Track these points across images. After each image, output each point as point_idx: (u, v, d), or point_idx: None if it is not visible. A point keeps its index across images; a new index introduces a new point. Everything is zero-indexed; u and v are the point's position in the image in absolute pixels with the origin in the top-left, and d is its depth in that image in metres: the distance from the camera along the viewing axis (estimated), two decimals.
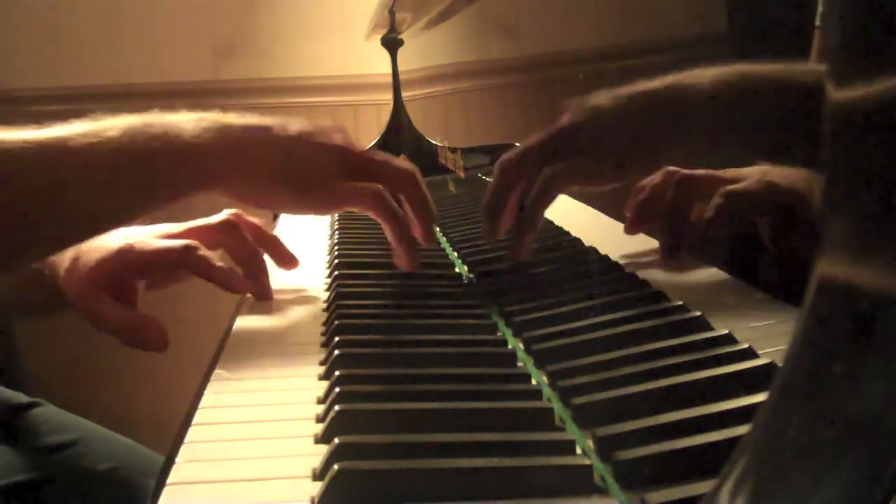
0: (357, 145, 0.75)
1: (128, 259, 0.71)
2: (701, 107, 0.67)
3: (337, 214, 1.14)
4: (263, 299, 0.75)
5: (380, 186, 0.71)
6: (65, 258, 0.72)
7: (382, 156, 0.75)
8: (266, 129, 0.70)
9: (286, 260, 0.79)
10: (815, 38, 0.90)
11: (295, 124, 0.72)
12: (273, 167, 0.69)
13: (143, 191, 0.66)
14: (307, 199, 0.71)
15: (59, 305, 0.74)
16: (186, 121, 0.68)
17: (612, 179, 0.74)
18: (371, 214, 0.72)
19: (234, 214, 0.77)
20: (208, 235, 0.75)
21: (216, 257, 0.72)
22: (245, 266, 0.75)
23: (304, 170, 0.70)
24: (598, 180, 0.74)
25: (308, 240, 0.82)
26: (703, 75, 0.68)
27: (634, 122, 0.69)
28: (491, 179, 0.74)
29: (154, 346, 0.70)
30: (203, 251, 0.71)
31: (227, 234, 0.75)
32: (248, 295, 0.76)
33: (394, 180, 0.73)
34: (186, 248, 0.71)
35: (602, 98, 0.71)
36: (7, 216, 0.60)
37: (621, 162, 0.71)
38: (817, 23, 0.90)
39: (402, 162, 0.75)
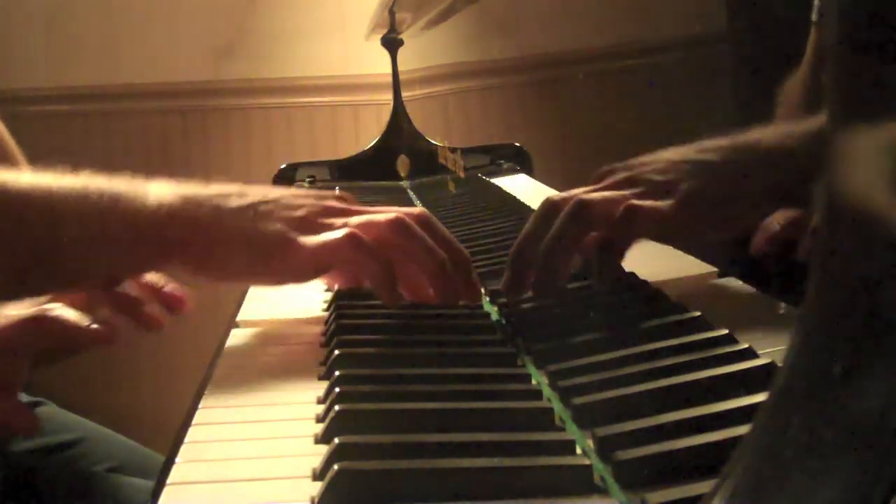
0: (329, 204, 0.65)
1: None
2: (779, 165, 0.65)
3: None
4: (152, 329, 0.68)
5: (349, 231, 0.61)
6: None
7: (357, 218, 0.64)
8: (224, 201, 0.62)
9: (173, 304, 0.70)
10: (812, 33, 0.90)
11: (258, 191, 0.64)
12: (231, 240, 0.61)
13: (84, 257, 0.59)
14: (267, 269, 0.62)
15: None
16: (147, 191, 0.60)
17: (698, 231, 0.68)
18: (345, 277, 0.66)
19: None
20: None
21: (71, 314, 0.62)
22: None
23: (263, 237, 0.61)
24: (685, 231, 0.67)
25: None
26: (765, 135, 0.67)
27: (736, 180, 0.65)
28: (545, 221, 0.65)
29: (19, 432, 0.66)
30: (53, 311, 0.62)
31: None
32: (248, 294, 0.75)
33: (382, 233, 0.62)
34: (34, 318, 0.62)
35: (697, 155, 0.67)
36: None
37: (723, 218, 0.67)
38: (813, 18, 0.89)
39: (379, 215, 0.64)
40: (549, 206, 0.66)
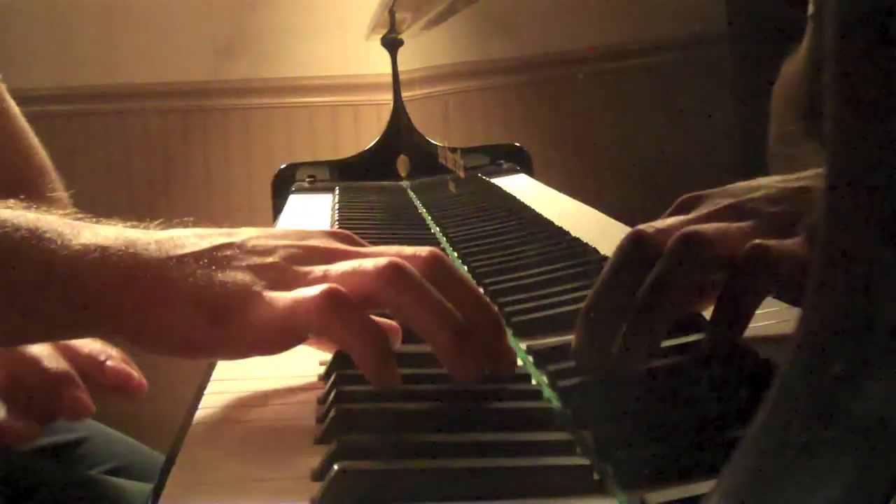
0: (311, 244, 0.51)
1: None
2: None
3: (336, 214, 1.13)
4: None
5: (327, 287, 0.45)
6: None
7: (343, 262, 0.49)
8: (175, 246, 0.48)
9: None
10: (808, 27, 0.90)
11: (223, 232, 0.50)
12: (180, 296, 0.46)
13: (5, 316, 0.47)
14: (224, 335, 0.46)
15: None
16: (80, 228, 0.48)
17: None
18: (325, 344, 0.53)
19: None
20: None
21: None
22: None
23: (218, 291, 0.46)
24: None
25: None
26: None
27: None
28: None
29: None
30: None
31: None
32: None
33: (372, 283, 0.47)
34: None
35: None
36: None
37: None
38: (809, 11, 0.89)
39: (369, 261, 0.48)
40: (639, 242, 0.49)
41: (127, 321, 0.46)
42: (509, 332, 0.61)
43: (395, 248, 0.50)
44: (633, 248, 0.49)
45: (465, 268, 0.81)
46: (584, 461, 0.40)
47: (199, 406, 0.51)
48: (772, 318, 0.58)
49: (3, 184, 0.99)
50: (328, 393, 0.50)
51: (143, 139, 2.10)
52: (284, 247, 0.49)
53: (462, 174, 1.29)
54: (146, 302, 0.46)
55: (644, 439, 0.40)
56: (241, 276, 0.47)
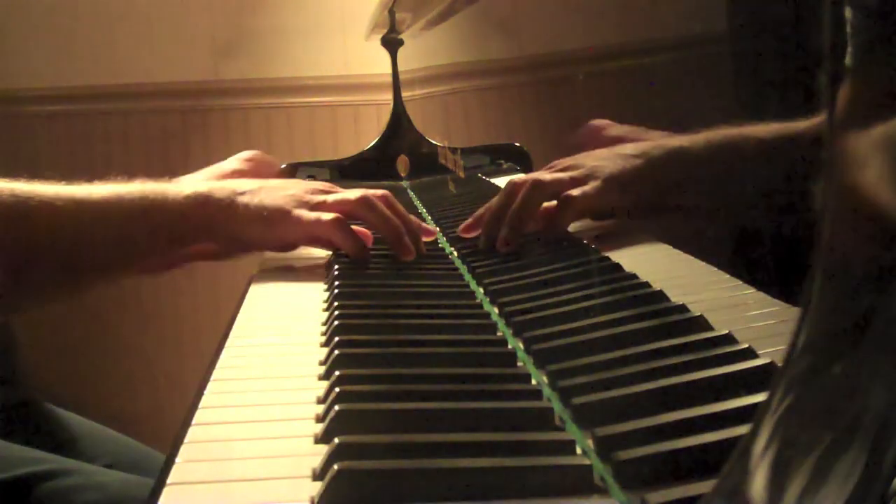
0: (310, 192, 0.85)
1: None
2: (704, 165, 0.74)
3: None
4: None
5: (335, 216, 0.82)
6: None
7: (333, 196, 0.86)
8: (237, 187, 0.83)
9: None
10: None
11: (258, 181, 0.86)
12: (244, 213, 0.81)
13: (147, 241, 0.80)
14: (272, 234, 0.82)
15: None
16: (181, 187, 0.82)
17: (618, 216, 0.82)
18: (330, 244, 0.84)
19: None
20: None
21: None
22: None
23: (269, 210, 0.82)
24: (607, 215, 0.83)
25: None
26: (701, 137, 0.75)
27: (656, 178, 0.76)
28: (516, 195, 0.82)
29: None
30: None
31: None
32: (248, 294, 0.77)
33: (351, 211, 0.84)
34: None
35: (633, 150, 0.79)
36: (34, 260, 0.73)
37: (640, 206, 0.79)
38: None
39: (350, 193, 0.85)
40: (511, 187, 0.84)
41: (221, 233, 0.82)
42: (509, 332, 0.61)
43: (360, 190, 0.86)
44: (507, 191, 0.84)
45: (466, 267, 0.81)
46: (584, 461, 0.40)
47: (200, 406, 0.51)
48: (772, 317, 0.58)
49: None
50: (328, 393, 0.50)
51: (143, 139, 2.10)
52: (295, 184, 0.87)
53: (462, 174, 1.29)
54: (229, 221, 0.81)
55: (644, 439, 0.40)
56: (278, 200, 0.82)
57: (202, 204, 0.80)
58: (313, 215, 0.81)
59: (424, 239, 0.88)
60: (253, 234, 0.82)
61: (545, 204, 0.83)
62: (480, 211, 0.88)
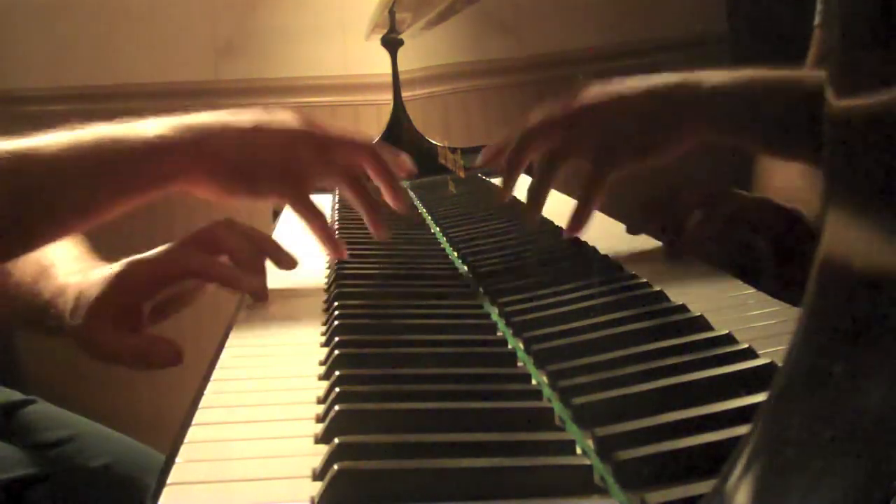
0: (313, 125, 0.78)
1: (127, 282, 0.70)
2: (712, 100, 0.72)
3: (336, 214, 1.14)
4: (261, 300, 0.75)
5: (342, 164, 0.76)
6: (68, 298, 0.72)
7: (338, 132, 0.79)
8: (224, 123, 0.75)
9: (284, 261, 0.78)
10: (815, 36, 0.90)
11: (251, 113, 0.77)
12: (233, 156, 0.73)
13: (111, 188, 0.70)
14: (272, 181, 0.75)
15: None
16: (151, 124, 0.72)
17: (620, 164, 0.76)
18: (338, 187, 0.79)
19: (228, 219, 0.76)
20: (206, 239, 0.74)
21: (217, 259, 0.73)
22: (245, 266, 0.74)
23: (263, 155, 0.74)
24: (608, 163, 0.77)
25: (307, 239, 0.82)
26: (714, 73, 0.72)
27: (655, 110, 0.74)
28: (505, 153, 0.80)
29: (166, 363, 0.68)
30: (202, 255, 0.72)
31: (226, 233, 0.74)
32: (247, 296, 0.76)
33: (351, 153, 0.78)
34: (184, 252, 0.71)
35: (622, 85, 0.76)
36: None
37: (640, 146, 0.75)
38: (816, 21, 0.90)
39: (357, 135, 0.80)
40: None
41: (201, 178, 0.73)
42: (509, 332, 0.61)
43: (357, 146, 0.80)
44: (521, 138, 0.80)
45: (466, 267, 0.81)
46: (584, 461, 0.40)
47: (200, 406, 0.51)
48: (772, 318, 0.58)
49: None
50: (328, 393, 0.50)
51: None
52: (294, 128, 0.78)
53: (462, 174, 1.29)
54: (212, 165, 0.73)
55: (644, 439, 0.40)
56: (275, 146, 0.75)
57: (176, 139, 0.72)
58: (319, 163, 0.77)
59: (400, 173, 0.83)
60: (245, 181, 0.74)
61: None
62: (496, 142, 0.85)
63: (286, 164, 0.75)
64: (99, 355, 0.69)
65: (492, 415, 0.46)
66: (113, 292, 0.69)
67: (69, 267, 0.77)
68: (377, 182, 0.79)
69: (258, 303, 0.74)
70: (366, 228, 0.94)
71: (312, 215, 0.77)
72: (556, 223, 0.91)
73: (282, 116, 0.78)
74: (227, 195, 0.74)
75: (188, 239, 0.74)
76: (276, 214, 1.38)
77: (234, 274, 0.72)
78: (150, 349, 0.69)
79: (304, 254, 0.83)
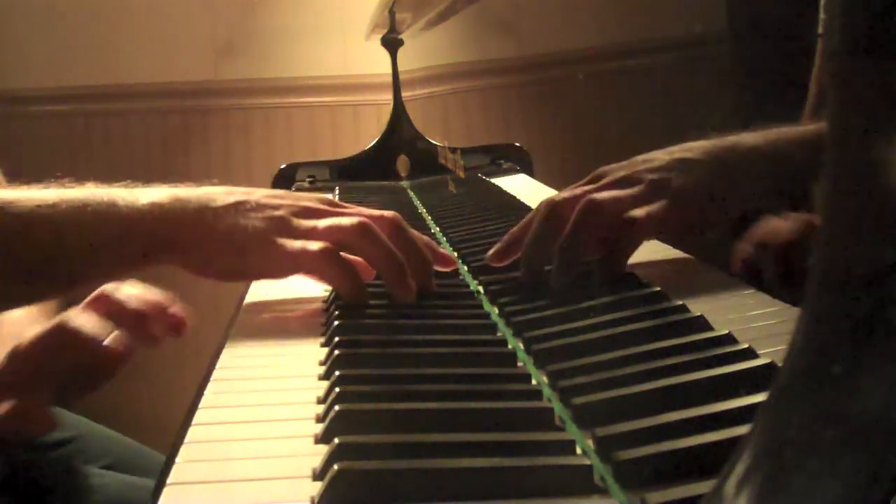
0: (305, 205, 0.70)
1: (9, 380, 0.71)
2: (761, 165, 0.70)
3: None
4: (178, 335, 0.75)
5: (323, 245, 0.66)
6: None
7: (326, 221, 0.69)
8: (210, 200, 0.67)
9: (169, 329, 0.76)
10: (819, 46, 0.90)
11: (242, 191, 0.69)
12: (217, 236, 0.66)
13: (85, 258, 0.66)
14: (248, 264, 0.67)
15: None
16: (140, 194, 0.67)
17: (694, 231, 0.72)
18: (319, 280, 0.69)
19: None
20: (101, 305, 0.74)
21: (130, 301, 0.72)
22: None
23: (244, 235, 0.66)
24: (682, 232, 0.73)
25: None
26: (750, 137, 0.71)
27: (716, 180, 0.70)
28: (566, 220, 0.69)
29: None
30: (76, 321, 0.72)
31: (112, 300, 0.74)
32: (248, 293, 0.76)
33: (344, 240, 0.68)
34: (59, 328, 0.71)
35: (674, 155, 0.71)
36: None
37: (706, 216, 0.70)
38: (820, 31, 0.89)
39: (345, 218, 0.69)
40: (554, 207, 0.70)
41: (181, 255, 0.66)
42: (509, 332, 0.61)
43: (366, 210, 0.71)
44: (548, 211, 0.70)
45: (465, 267, 0.81)
46: (584, 461, 0.40)
47: (200, 406, 0.51)
48: (772, 318, 0.58)
49: None
50: (328, 393, 0.50)
51: (143, 139, 2.10)
52: (287, 206, 0.69)
53: (462, 174, 1.29)
54: (193, 240, 0.66)
55: (644, 439, 0.40)
56: (258, 224, 0.67)
57: (160, 218, 0.65)
58: (298, 245, 0.66)
59: (440, 269, 0.74)
60: (223, 262, 0.67)
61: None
62: (514, 232, 0.74)
63: (262, 246, 0.67)
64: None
65: (492, 415, 0.46)
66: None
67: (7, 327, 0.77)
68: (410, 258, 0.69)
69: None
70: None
71: (337, 274, 0.68)
72: None
73: (271, 197, 0.70)
74: (203, 274, 0.68)
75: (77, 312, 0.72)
76: None
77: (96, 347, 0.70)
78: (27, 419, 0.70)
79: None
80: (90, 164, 2.08)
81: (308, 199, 0.71)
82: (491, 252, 0.74)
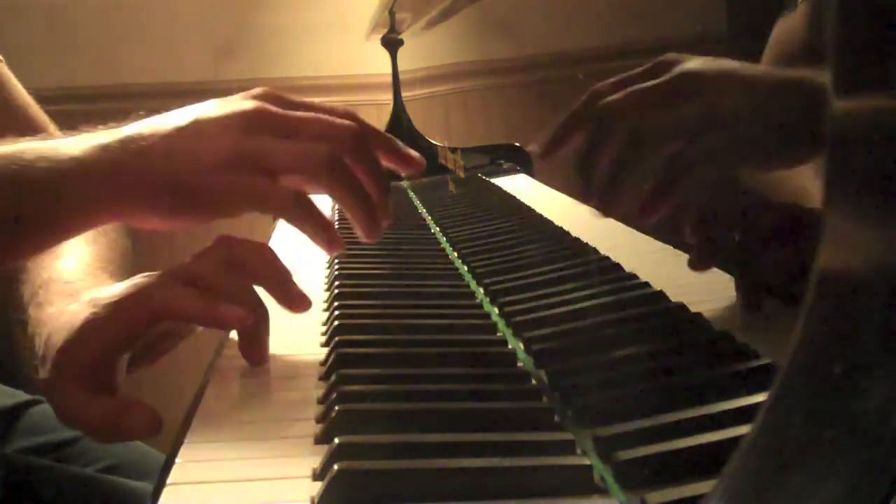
0: (268, 99, 0.59)
1: (90, 336, 0.54)
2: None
3: (336, 214, 1.13)
4: (256, 363, 0.59)
5: (298, 191, 0.57)
6: (41, 340, 0.58)
7: (303, 105, 0.59)
8: (149, 130, 0.57)
9: (293, 300, 0.60)
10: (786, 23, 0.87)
11: (191, 110, 0.58)
12: (161, 173, 0.55)
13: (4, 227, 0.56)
14: (195, 202, 0.56)
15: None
16: (67, 144, 0.57)
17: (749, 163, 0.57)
18: (316, 182, 0.57)
19: (221, 240, 0.59)
20: (189, 274, 0.57)
21: (194, 293, 0.55)
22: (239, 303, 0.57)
23: (202, 163, 0.55)
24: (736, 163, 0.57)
25: (307, 238, 0.82)
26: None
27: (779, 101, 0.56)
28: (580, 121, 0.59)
29: (142, 433, 0.54)
30: (173, 289, 0.55)
31: (207, 265, 0.57)
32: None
33: (328, 130, 0.57)
34: (159, 292, 0.55)
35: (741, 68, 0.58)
36: None
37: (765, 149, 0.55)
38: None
39: (336, 107, 0.59)
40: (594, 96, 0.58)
41: (116, 208, 0.56)
42: (509, 332, 0.61)
43: (333, 120, 0.58)
44: (603, 117, 0.57)
45: (465, 267, 0.81)
46: (584, 461, 0.40)
47: (200, 406, 0.51)
48: (772, 317, 0.58)
49: None
50: (328, 393, 0.50)
51: None
52: (237, 118, 0.57)
53: (462, 174, 1.29)
54: (132, 194, 0.55)
55: (644, 439, 0.40)
56: (212, 155, 0.55)
57: (82, 173, 0.55)
58: (266, 184, 0.55)
59: (407, 172, 0.64)
60: (162, 205, 0.56)
61: None
62: (563, 121, 0.61)
63: (210, 177, 0.55)
64: (64, 420, 0.55)
65: (492, 415, 0.46)
66: (75, 347, 0.54)
67: (62, 287, 0.63)
68: (362, 175, 0.58)
69: (255, 367, 0.59)
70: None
71: (302, 215, 0.58)
72: (557, 224, 0.91)
73: (227, 104, 0.58)
74: (174, 223, 0.57)
75: (168, 273, 0.57)
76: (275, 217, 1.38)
77: (216, 311, 0.55)
78: (122, 417, 0.54)
79: (303, 253, 0.83)
80: None
81: (252, 100, 0.59)
82: (539, 146, 0.62)
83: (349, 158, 0.57)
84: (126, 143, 0.56)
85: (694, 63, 0.57)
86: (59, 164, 0.55)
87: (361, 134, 0.58)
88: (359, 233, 0.59)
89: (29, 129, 0.97)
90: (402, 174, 0.63)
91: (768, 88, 0.57)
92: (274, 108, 0.58)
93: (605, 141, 0.56)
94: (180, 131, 0.56)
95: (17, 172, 0.55)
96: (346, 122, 0.58)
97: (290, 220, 0.58)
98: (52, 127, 0.99)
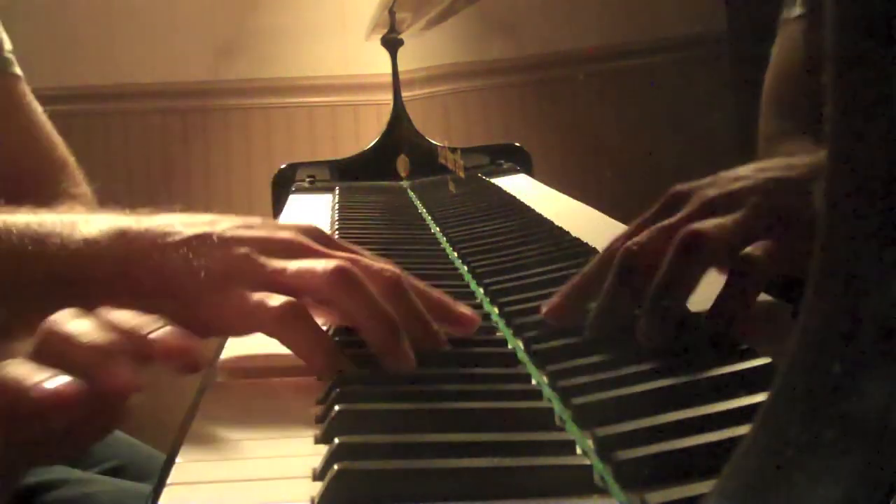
0: (280, 237, 0.56)
1: None
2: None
3: (336, 214, 1.13)
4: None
5: (284, 302, 0.51)
6: None
7: (297, 264, 0.54)
8: (163, 235, 0.54)
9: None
10: (794, 28, 0.88)
11: (205, 220, 0.55)
12: (162, 282, 0.53)
13: (16, 297, 0.53)
14: (196, 318, 0.51)
15: None
16: (84, 226, 0.54)
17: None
18: (280, 340, 0.53)
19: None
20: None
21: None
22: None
23: (193, 281, 0.52)
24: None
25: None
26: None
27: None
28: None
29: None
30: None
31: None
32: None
33: (321, 286, 0.52)
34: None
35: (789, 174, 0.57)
36: None
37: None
38: (797, 13, 0.87)
39: (330, 258, 0.54)
40: (632, 254, 0.56)
41: (118, 303, 0.49)
42: (509, 333, 0.61)
43: (363, 258, 0.56)
44: (627, 261, 0.55)
45: (465, 267, 0.81)
46: (584, 461, 0.40)
47: (200, 406, 0.51)
48: (772, 318, 0.58)
49: (24, 179, 0.96)
50: (328, 393, 0.50)
51: (143, 139, 2.10)
52: (257, 239, 0.54)
53: (462, 174, 1.29)
54: (133, 287, 0.53)
55: (644, 439, 0.40)
56: (215, 266, 0.52)
57: (95, 258, 0.53)
58: (255, 299, 0.51)
59: (456, 333, 0.57)
60: (167, 315, 0.48)
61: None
62: (577, 283, 0.59)
63: (213, 293, 0.53)
64: None
65: (492, 415, 0.46)
66: None
67: None
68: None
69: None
70: (368, 228, 0.93)
71: (299, 340, 0.53)
72: (557, 223, 0.91)
73: (243, 226, 0.55)
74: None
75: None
76: (276, 214, 1.39)
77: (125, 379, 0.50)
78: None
79: None
80: (90, 165, 2.08)
81: (290, 230, 0.57)
82: (547, 306, 0.59)
83: (383, 298, 0.53)
84: (150, 245, 0.53)
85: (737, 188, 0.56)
86: (73, 247, 0.53)
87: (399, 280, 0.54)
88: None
89: (47, 160, 0.97)
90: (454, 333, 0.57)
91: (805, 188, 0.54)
92: (314, 244, 0.56)
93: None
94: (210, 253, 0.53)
95: (27, 245, 0.53)
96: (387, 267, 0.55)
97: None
98: (71, 159, 0.99)
